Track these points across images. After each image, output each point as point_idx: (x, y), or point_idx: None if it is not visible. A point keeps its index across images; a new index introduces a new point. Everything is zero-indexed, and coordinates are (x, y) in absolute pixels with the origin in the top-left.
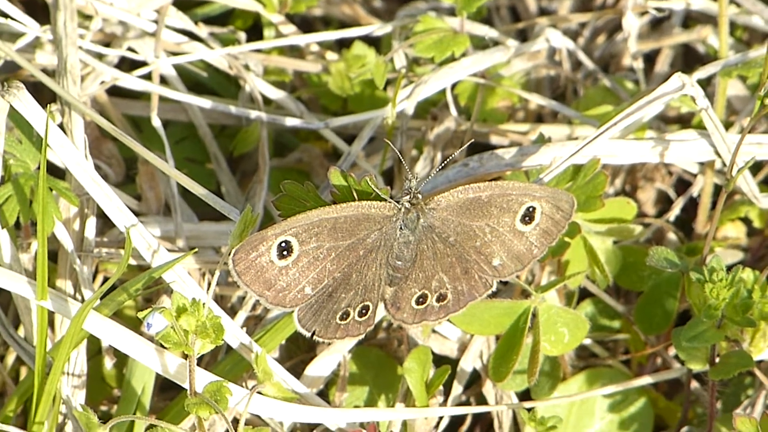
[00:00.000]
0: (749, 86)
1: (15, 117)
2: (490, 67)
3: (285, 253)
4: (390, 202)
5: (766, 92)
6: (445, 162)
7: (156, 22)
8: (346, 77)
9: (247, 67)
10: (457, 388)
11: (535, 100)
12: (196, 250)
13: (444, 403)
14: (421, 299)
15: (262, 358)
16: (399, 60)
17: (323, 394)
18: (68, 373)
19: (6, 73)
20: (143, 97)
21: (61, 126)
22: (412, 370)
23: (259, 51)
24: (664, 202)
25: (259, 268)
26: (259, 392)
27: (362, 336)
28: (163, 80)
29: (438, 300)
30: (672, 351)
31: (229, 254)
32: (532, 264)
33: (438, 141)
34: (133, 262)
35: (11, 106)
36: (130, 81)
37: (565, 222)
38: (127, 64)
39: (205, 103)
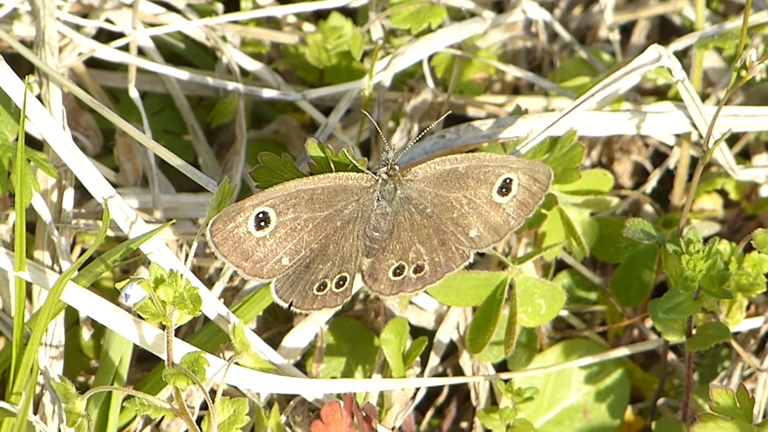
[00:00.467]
0: (725, 58)
1: None
2: (466, 39)
3: (262, 224)
4: (367, 173)
5: (743, 64)
6: (422, 134)
7: None
8: (323, 49)
9: (224, 39)
10: (434, 360)
11: (512, 72)
12: (174, 221)
13: (421, 375)
14: (398, 270)
15: (240, 329)
16: (376, 31)
17: (300, 366)
18: (46, 344)
19: None
20: (121, 68)
21: (38, 97)
22: (389, 342)
23: (236, 22)
24: (640, 174)
25: (237, 239)
26: (236, 363)
27: (339, 307)
28: (141, 52)
29: (415, 271)
30: (648, 323)
31: (207, 225)
32: (509, 235)
33: (415, 113)
34: (110, 233)
35: None
36: (108, 52)
37: (541, 193)
38: (104, 36)
39: (183, 74)
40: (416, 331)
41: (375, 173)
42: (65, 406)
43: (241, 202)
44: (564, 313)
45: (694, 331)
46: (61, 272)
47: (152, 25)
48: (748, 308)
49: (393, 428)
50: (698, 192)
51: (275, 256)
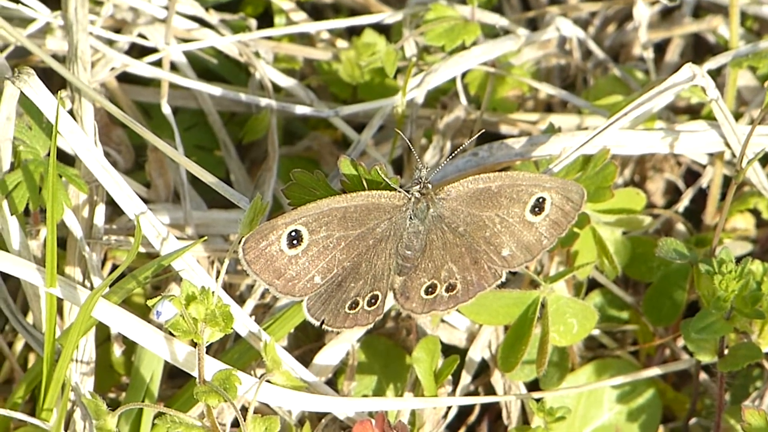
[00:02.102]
0: (759, 77)
1: (25, 103)
2: (500, 56)
3: (295, 242)
4: (400, 191)
5: None
6: (455, 152)
7: (167, 8)
8: (356, 65)
9: (257, 55)
10: (465, 378)
11: (545, 90)
12: (206, 238)
13: (452, 393)
14: (430, 289)
15: (271, 347)
16: (409, 48)
17: (332, 383)
18: (77, 360)
19: (16, 58)
20: (153, 83)
21: (71, 112)
22: (421, 360)
23: (269, 38)
24: (672, 193)
25: (269, 257)
26: (267, 381)
27: (371, 325)
28: (174, 67)
29: (447, 290)
30: (681, 342)
31: (239, 243)
32: (541, 254)
33: (447, 130)
34: (142, 249)
35: (22, 92)
36: (140, 67)
37: (574, 213)
38: (137, 51)
39: (215, 90)
40: (448, 350)
41: (408, 192)
42: (96, 423)
43: (273, 220)
44: (596, 332)
45: (726, 351)
46: (92, 288)
47: (185, 40)
48: None
49: None
50: (731, 211)
51: (307, 274)
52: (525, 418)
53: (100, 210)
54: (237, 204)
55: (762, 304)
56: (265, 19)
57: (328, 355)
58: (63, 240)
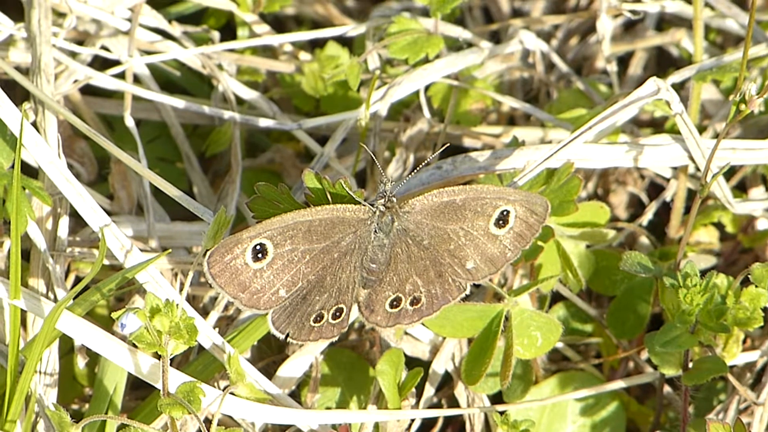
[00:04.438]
0: (723, 90)
1: None
2: (463, 69)
3: (260, 255)
4: (365, 205)
5: (742, 98)
6: (419, 165)
7: (130, 20)
8: (320, 78)
9: (220, 67)
10: (429, 391)
11: (509, 103)
12: (170, 250)
13: (416, 406)
14: (395, 302)
15: (235, 359)
16: (372, 61)
17: (295, 395)
18: (40, 372)
19: None
20: (116, 95)
21: (34, 124)
22: (385, 372)
23: (232, 50)
24: (636, 206)
25: (234, 271)
26: (231, 393)
27: (336, 338)
28: (137, 79)
29: (412, 303)
30: (644, 355)
31: (204, 255)
32: (505, 267)
33: (411, 143)
34: (105, 261)
35: None
36: (104, 80)
37: (538, 225)
38: (100, 63)
39: (178, 102)
40: (411, 362)
41: (372, 205)
42: None
43: (238, 233)
44: (560, 345)
45: (690, 365)
46: (55, 300)
47: (148, 52)
48: (744, 342)
49: None
50: (695, 225)
51: (272, 287)
52: (488, 431)
53: (64, 222)
54: (200, 217)
55: (726, 318)
56: (228, 32)
57: (292, 368)
58: (27, 252)
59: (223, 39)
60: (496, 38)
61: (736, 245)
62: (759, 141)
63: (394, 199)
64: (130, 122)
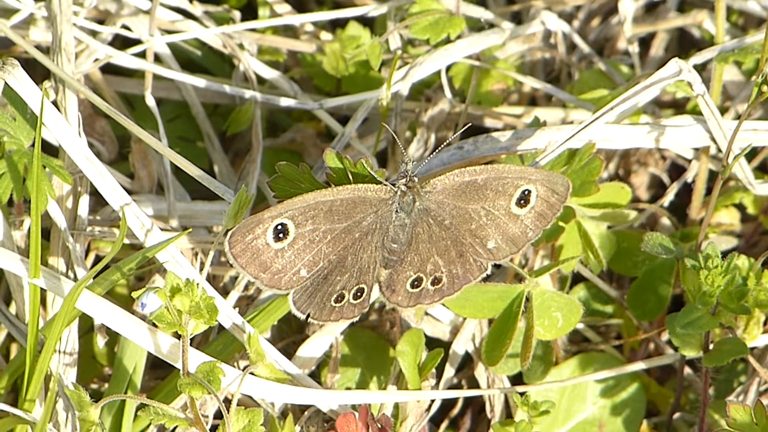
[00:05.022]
0: (744, 71)
1: (9, 94)
2: (485, 50)
3: (281, 235)
4: (386, 185)
5: (764, 79)
6: (441, 145)
7: None
8: (341, 58)
9: (241, 46)
10: (449, 371)
11: (530, 83)
12: (190, 230)
13: (436, 386)
14: (416, 282)
15: (255, 339)
16: (394, 41)
17: (315, 376)
18: (60, 351)
19: (0, 49)
20: (137, 75)
21: (54, 103)
22: (405, 353)
23: (253, 30)
24: (657, 187)
25: (255, 251)
26: (251, 373)
27: (356, 319)
28: (157, 58)
29: (433, 283)
30: (665, 337)
31: (225, 235)
32: (526, 247)
33: (432, 123)
34: (125, 240)
35: (6, 83)
36: (124, 59)
37: (560, 205)
38: (120, 42)
39: (199, 81)
40: (432, 343)
41: (394, 185)
42: (79, 415)
43: (259, 213)
44: (580, 326)
45: (711, 347)
46: (75, 279)
47: (169, 32)
48: (765, 323)
49: None
50: (716, 206)
51: (293, 267)
52: (508, 412)
53: (84, 201)
54: (221, 196)
55: (747, 300)
56: (249, 11)
57: (312, 348)
58: (47, 231)
59: (244, 18)
60: (518, 19)
61: (757, 226)
62: None
63: (416, 179)
64: (150, 101)
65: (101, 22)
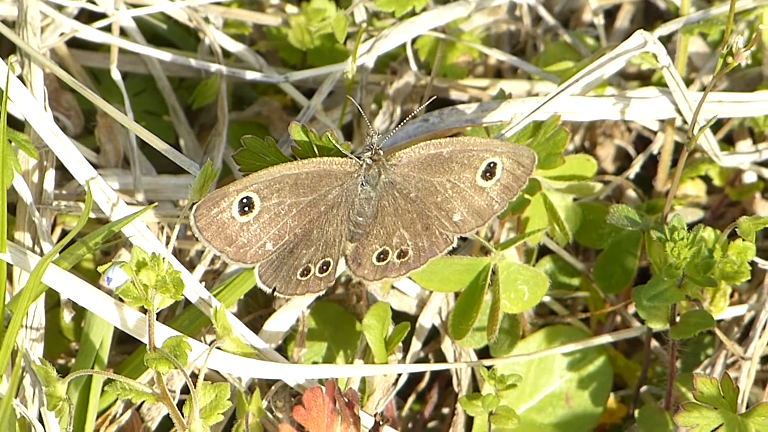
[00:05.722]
0: (710, 43)
1: None
2: (450, 22)
3: (246, 209)
4: (351, 158)
5: (729, 51)
6: (406, 118)
7: None
8: (306, 31)
9: (206, 20)
10: (416, 345)
11: (495, 56)
12: (156, 204)
13: (403, 360)
14: (382, 255)
15: (221, 314)
16: (359, 14)
17: (282, 350)
18: (27, 326)
19: None
20: (102, 49)
21: (20, 78)
22: (372, 327)
23: (218, 3)
24: (623, 159)
25: (221, 224)
26: (218, 347)
27: (323, 292)
28: (123, 32)
29: (399, 256)
30: (632, 309)
31: (190, 209)
32: (492, 220)
33: (397, 96)
34: (91, 215)
35: None
36: (90, 33)
37: (525, 177)
38: (86, 16)
39: (165, 55)
40: (398, 316)
41: (359, 158)
42: (46, 390)
43: (225, 187)
44: (546, 299)
45: (677, 319)
46: (41, 254)
47: (134, 5)
48: (731, 296)
49: (375, 414)
50: (682, 178)
51: (259, 241)
52: (475, 386)
53: (50, 175)
54: (187, 170)
55: (714, 272)
56: None
57: (278, 322)
58: (12, 205)
59: None
60: None
61: (723, 198)
62: (746, 94)
63: (381, 152)
64: (116, 75)
65: None
